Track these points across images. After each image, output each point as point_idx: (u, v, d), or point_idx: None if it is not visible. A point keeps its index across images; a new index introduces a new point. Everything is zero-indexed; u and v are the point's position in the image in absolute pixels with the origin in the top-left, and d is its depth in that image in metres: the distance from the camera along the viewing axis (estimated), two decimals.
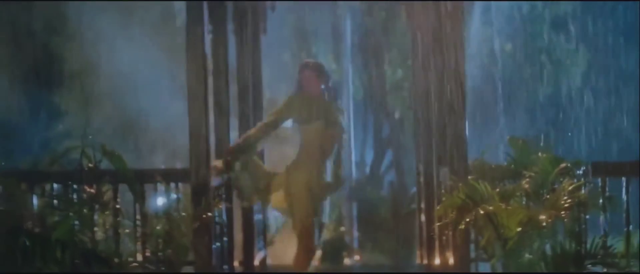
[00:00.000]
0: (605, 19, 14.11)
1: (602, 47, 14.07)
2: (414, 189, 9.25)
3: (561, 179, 5.76)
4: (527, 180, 5.60)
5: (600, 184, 6.38)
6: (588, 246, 5.55)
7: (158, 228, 5.97)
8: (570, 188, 5.31)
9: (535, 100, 13.63)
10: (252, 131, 6.40)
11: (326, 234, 7.13)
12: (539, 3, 13.47)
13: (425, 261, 7.77)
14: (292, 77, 13.39)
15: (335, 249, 9.97)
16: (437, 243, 7.14)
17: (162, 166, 10.55)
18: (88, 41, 11.63)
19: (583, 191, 6.00)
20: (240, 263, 7.31)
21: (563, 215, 5.18)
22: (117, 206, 5.92)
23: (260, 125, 6.42)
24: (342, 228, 10.43)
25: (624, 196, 6.45)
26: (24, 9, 11.19)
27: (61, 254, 4.32)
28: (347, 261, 9.79)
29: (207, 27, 6.17)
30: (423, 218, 7.88)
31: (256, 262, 7.71)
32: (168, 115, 11.65)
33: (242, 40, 7.68)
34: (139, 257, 6.38)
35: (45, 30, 11.60)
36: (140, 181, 6.10)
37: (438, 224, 5.94)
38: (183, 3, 6.34)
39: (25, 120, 11.67)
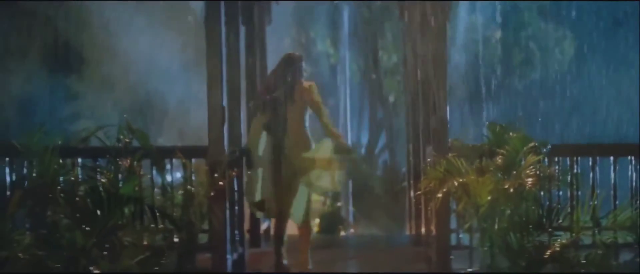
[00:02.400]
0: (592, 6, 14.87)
1: (589, 34, 14.87)
2: (405, 168, 10.21)
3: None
4: (500, 157, 6.55)
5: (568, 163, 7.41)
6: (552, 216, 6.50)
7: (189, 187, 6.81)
8: (533, 162, 6.26)
9: (523, 85, 14.52)
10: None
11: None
12: None
13: (413, 232, 8.79)
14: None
15: (332, 223, 11.01)
16: (423, 215, 8.15)
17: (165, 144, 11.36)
18: (100, 28, 12.51)
19: (556, 168, 7.06)
20: (248, 231, 8.27)
21: (529, 184, 6.13)
22: (149, 176, 6.82)
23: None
24: (339, 204, 11.40)
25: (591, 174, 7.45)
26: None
27: (130, 207, 5.32)
28: (342, 233, 10.80)
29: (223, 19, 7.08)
30: (412, 193, 8.88)
31: (261, 231, 8.73)
32: (174, 97, 12.61)
33: (250, 29, 8.62)
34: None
35: (61, 18, 12.46)
36: (162, 156, 7.03)
37: (419, 192, 6.89)
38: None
39: (43, 101, 12.53)
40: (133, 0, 11.58)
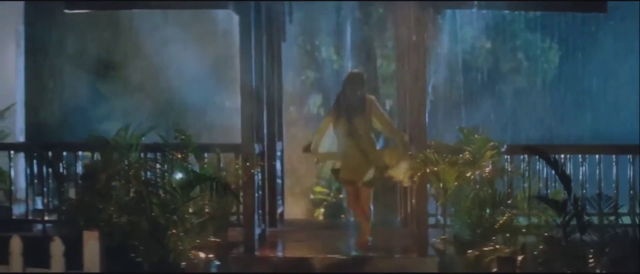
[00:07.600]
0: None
1: (573, 44, 16.95)
2: None
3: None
4: (467, 153, 9.09)
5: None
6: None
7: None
8: (489, 156, 8.81)
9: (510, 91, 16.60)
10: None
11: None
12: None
13: (402, 216, 11.36)
14: (299, 68, 16.41)
15: (336, 211, 13.63)
16: (409, 201, 10.69)
17: None
18: (127, 35, 14.73)
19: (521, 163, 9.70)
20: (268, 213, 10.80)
21: (486, 173, 8.68)
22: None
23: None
24: (341, 195, 13.84)
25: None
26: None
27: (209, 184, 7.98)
28: (344, 220, 13.36)
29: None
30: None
31: (277, 215, 11.30)
32: (195, 100, 14.85)
33: (270, 46, 11.06)
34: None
35: (94, 28, 14.81)
36: (203, 151, 9.55)
37: (400, 177, 9.42)
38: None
39: (78, 103, 14.93)
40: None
